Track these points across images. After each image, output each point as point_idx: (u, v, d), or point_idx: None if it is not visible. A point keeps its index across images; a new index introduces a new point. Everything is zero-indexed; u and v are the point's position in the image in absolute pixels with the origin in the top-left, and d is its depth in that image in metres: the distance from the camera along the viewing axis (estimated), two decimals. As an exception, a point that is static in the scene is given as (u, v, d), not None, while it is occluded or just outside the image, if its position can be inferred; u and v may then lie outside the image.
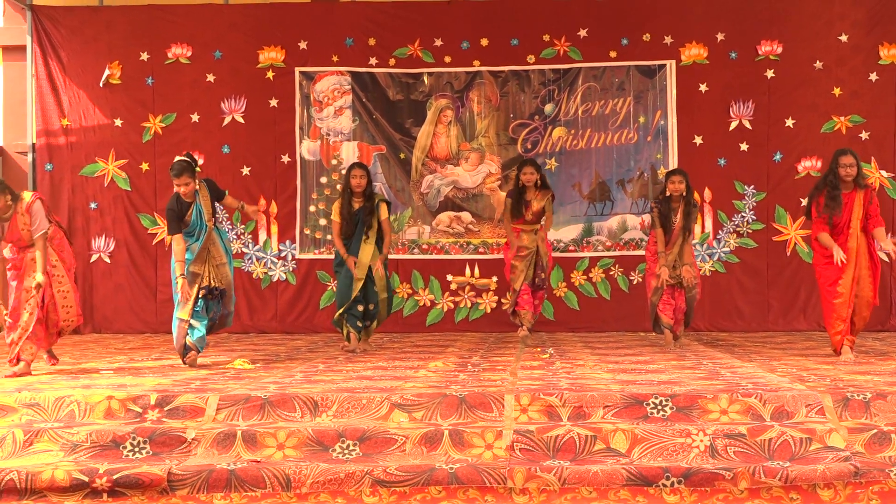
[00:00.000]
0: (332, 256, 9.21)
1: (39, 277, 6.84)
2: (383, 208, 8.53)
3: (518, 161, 10.11)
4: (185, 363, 7.28)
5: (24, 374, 6.75)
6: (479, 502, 4.72)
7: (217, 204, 7.64)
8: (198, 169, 7.36)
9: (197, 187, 7.30)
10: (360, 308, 8.45)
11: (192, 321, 7.25)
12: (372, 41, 11.07)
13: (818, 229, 7.52)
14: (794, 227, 10.66)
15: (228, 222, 11.06)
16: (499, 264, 10.38)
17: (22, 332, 6.88)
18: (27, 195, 6.98)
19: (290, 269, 11.06)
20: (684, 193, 8.44)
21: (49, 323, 7.06)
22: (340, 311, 8.46)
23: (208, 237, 7.33)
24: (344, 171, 10.69)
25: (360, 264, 8.39)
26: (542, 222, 9.44)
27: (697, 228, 10.52)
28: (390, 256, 9.74)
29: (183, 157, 7.35)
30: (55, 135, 11.17)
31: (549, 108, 10.96)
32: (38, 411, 5.59)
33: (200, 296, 7.30)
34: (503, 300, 10.61)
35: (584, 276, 10.88)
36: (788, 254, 10.71)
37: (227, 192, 7.81)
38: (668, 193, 8.48)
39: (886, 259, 7.30)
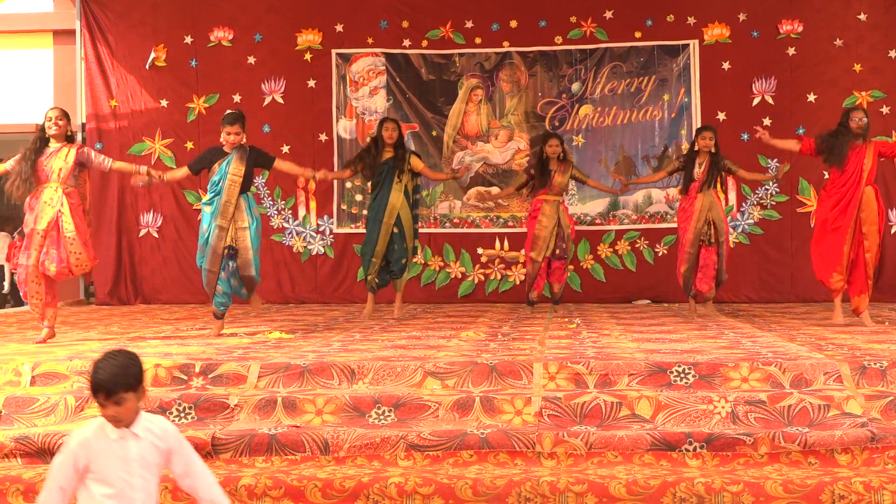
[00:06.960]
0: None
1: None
2: (415, 160, 8.91)
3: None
4: (212, 334, 7.30)
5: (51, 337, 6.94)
6: (508, 466, 4.74)
7: (254, 175, 7.51)
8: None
9: (241, 142, 7.28)
10: (386, 266, 8.85)
11: (220, 281, 7.22)
12: (405, 23, 11.23)
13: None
14: (817, 198, 10.80)
15: (270, 198, 11.31)
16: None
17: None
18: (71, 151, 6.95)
19: (329, 242, 11.28)
20: (712, 150, 8.54)
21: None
22: (367, 273, 8.79)
23: (232, 197, 7.22)
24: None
25: (390, 209, 8.64)
26: (564, 196, 9.41)
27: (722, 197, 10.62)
28: (421, 231, 9.89)
29: (236, 110, 7.40)
30: (104, 115, 11.40)
31: (576, 86, 11.12)
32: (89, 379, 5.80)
33: (224, 254, 7.22)
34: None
35: (611, 249, 11.04)
36: (812, 225, 10.66)
37: (276, 158, 7.69)
38: (696, 148, 8.65)
39: None
